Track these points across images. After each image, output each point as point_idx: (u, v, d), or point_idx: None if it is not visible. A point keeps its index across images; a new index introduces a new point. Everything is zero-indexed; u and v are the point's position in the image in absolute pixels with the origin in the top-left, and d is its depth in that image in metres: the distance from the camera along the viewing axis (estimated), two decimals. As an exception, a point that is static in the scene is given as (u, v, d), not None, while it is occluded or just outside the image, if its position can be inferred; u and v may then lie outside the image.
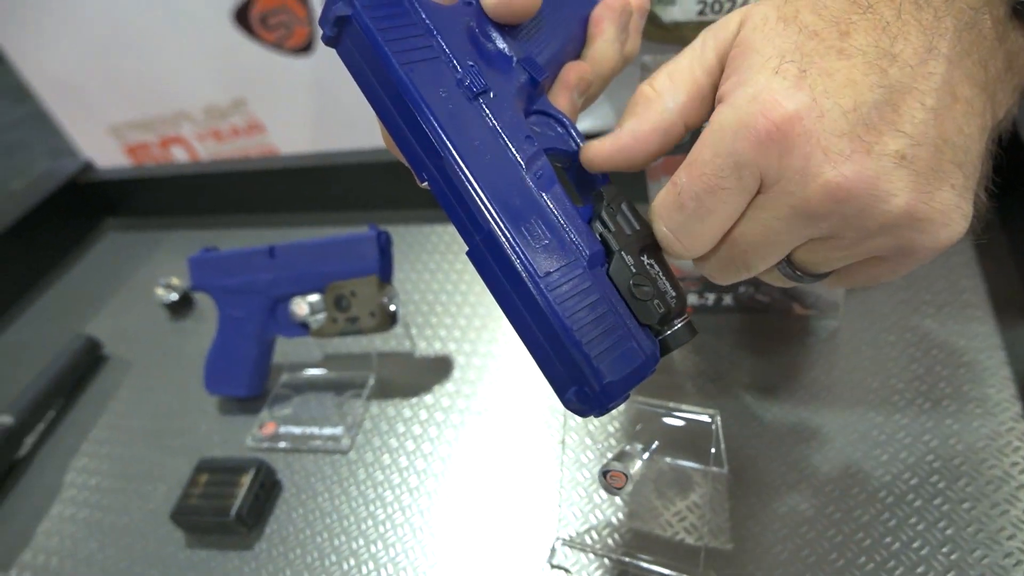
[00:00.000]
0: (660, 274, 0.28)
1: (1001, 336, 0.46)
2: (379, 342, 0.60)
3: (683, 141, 0.35)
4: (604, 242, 0.28)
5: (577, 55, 0.34)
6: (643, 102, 0.30)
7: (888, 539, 0.39)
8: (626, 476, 0.38)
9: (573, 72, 0.32)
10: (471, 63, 0.28)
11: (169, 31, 1.77)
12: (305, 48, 1.72)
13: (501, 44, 0.30)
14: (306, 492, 0.50)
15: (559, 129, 0.31)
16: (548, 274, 0.26)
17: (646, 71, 0.45)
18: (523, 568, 0.42)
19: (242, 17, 1.71)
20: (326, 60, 1.70)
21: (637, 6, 0.35)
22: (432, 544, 0.45)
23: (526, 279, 0.25)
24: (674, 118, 0.30)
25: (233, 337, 0.56)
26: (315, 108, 1.84)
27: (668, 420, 0.41)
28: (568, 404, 0.26)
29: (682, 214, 0.27)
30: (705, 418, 0.39)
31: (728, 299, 0.52)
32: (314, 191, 0.77)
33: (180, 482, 0.52)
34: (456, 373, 0.56)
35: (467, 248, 0.27)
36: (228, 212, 0.82)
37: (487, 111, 0.28)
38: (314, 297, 0.54)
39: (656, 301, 0.28)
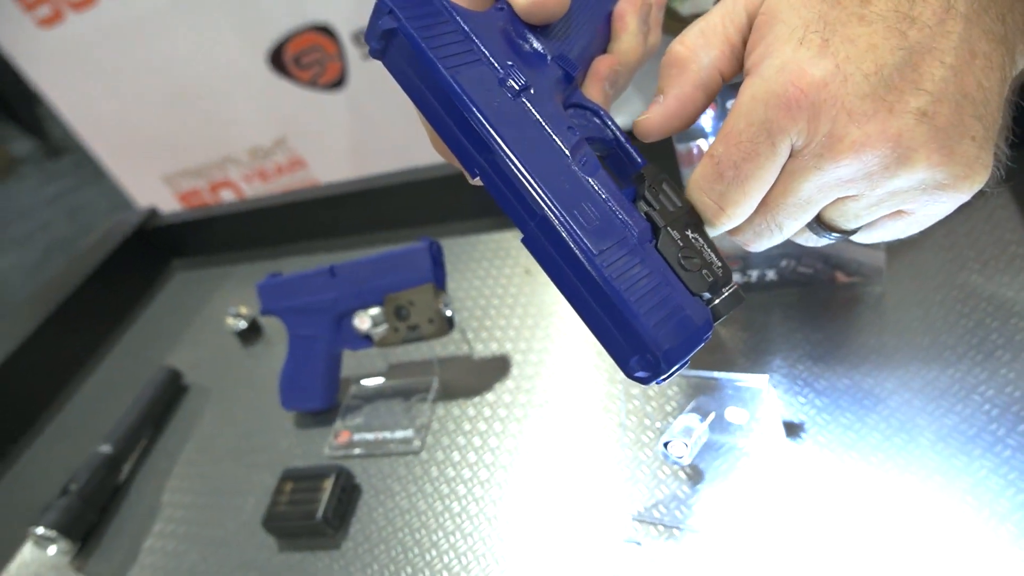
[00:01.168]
0: (705, 246, 0.30)
1: (1050, 284, 0.47)
2: (438, 348, 0.63)
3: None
4: (650, 219, 0.30)
5: (603, 50, 0.36)
6: (679, 63, 0.31)
7: (950, 490, 0.40)
8: (687, 445, 0.39)
9: (604, 65, 0.35)
10: (510, 63, 0.30)
11: (213, 81, 1.86)
12: (338, 83, 1.79)
13: (535, 44, 0.32)
14: (384, 493, 0.54)
15: (595, 120, 0.33)
16: (602, 252, 0.27)
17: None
18: (597, 546, 0.44)
19: (277, 60, 1.79)
20: (359, 92, 1.77)
21: (655, 1, 0.37)
22: (507, 530, 0.47)
23: (582, 257, 0.27)
24: (712, 72, 0.31)
25: (304, 355, 0.60)
26: (352, 138, 1.91)
27: (721, 390, 0.43)
28: (631, 374, 0.28)
29: (722, 183, 0.29)
30: (758, 384, 0.41)
31: (771, 274, 0.53)
32: (362, 213, 0.81)
33: (267, 493, 0.56)
34: (514, 370, 0.58)
35: (522, 236, 0.28)
36: (285, 242, 0.87)
37: (530, 106, 0.30)
38: (375, 310, 0.58)
39: (704, 271, 0.29)
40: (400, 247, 0.57)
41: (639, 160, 0.33)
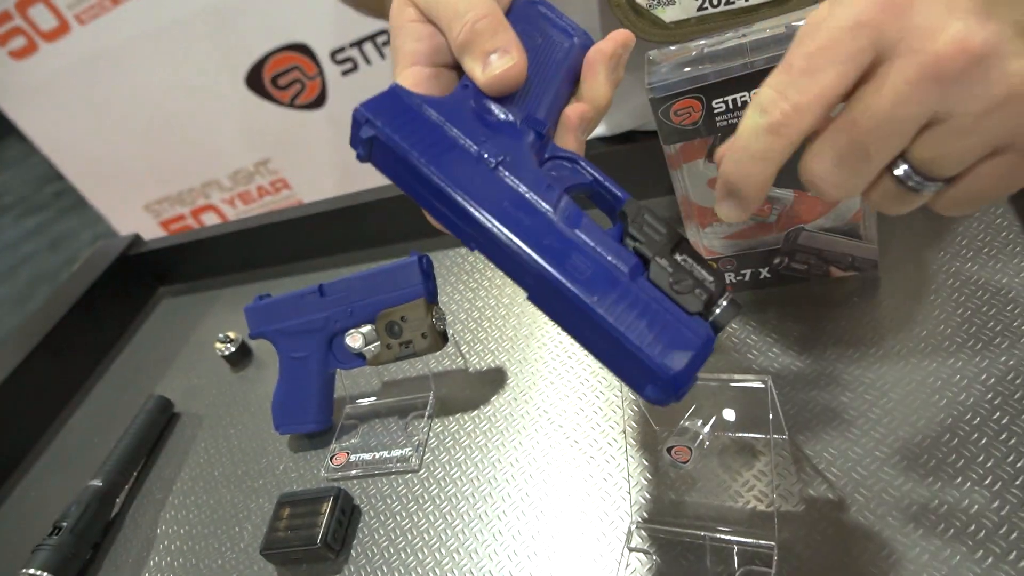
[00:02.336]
0: (694, 265, 0.32)
1: (1043, 269, 0.47)
2: (433, 363, 0.62)
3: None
4: (638, 253, 0.32)
5: (568, 97, 0.39)
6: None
7: (959, 479, 0.39)
8: (690, 449, 0.39)
9: (575, 114, 0.37)
10: (483, 139, 0.33)
11: (191, 106, 1.85)
12: (319, 102, 1.79)
13: (502, 114, 0.35)
14: (384, 513, 0.52)
15: (573, 167, 0.35)
16: (597, 298, 0.29)
17: (652, 64, 0.47)
18: (604, 555, 0.43)
19: (254, 81, 1.78)
20: (339, 110, 1.77)
21: (625, 44, 0.38)
22: (513, 545, 0.47)
23: (581, 307, 0.29)
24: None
25: (296, 377, 0.59)
26: (335, 156, 1.90)
27: (722, 392, 0.42)
28: (649, 399, 0.29)
29: (788, 75, 0.28)
30: (758, 384, 0.40)
31: (765, 272, 0.53)
32: (349, 231, 0.80)
33: (265, 519, 0.55)
34: (511, 382, 0.58)
35: (527, 295, 0.31)
36: (273, 263, 0.86)
37: (508, 175, 0.32)
38: (366, 328, 0.57)
39: (697, 290, 0.31)
40: (389, 263, 0.56)
41: (620, 195, 0.35)
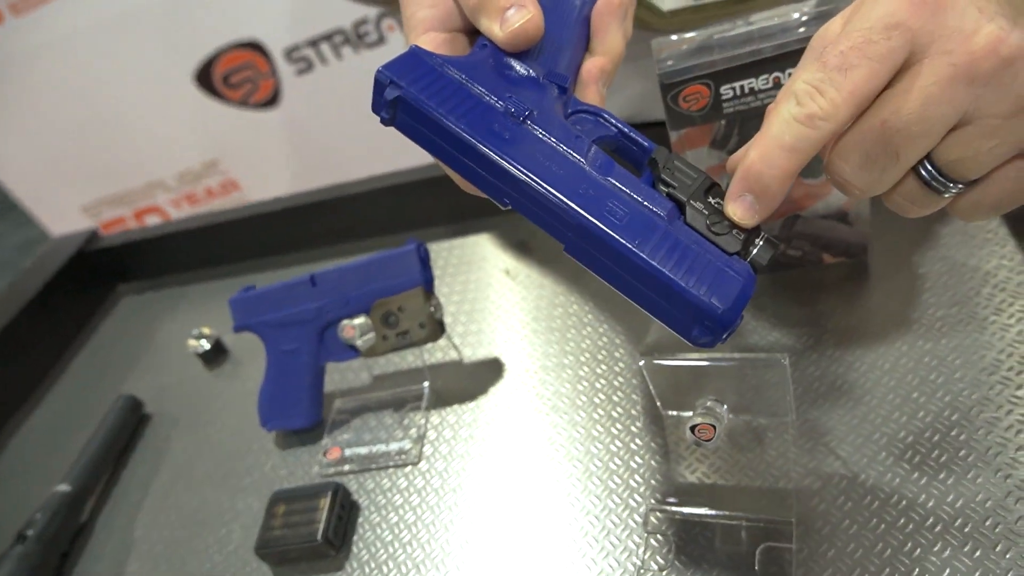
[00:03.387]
0: None
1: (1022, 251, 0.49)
2: (426, 355, 0.61)
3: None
4: (672, 198, 0.32)
5: (583, 52, 0.39)
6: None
7: (963, 452, 0.41)
8: (714, 427, 0.39)
9: (595, 67, 0.37)
10: (508, 94, 0.33)
11: (135, 103, 1.78)
12: (272, 101, 1.74)
13: (524, 69, 0.35)
14: (386, 508, 0.51)
15: (596, 119, 0.36)
16: (639, 241, 0.30)
17: (655, 54, 0.47)
18: (621, 539, 0.43)
19: (204, 79, 1.73)
20: (294, 110, 1.72)
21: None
22: (526, 533, 0.46)
23: (624, 252, 0.29)
24: None
25: (285, 370, 0.57)
26: (289, 157, 1.85)
27: (739, 371, 0.43)
28: (696, 341, 0.29)
29: (823, 71, 0.28)
30: (776, 362, 0.41)
31: (761, 260, 0.54)
32: (328, 224, 0.78)
33: (255, 520, 0.53)
34: (508, 372, 0.57)
35: (564, 247, 0.31)
36: (240, 259, 0.83)
37: (536, 128, 0.32)
38: (360, 319, 0.55)
39: (735, 231, 0.31)
40: (384, 251, 0.55)
41: (647, 144, 0.35)
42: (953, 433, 0.42)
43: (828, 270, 0.53)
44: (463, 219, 0.74)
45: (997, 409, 0.42)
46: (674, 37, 0.47)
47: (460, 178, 0.34)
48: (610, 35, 0.38)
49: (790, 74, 0.44)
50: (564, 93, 0.35)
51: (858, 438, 0.43)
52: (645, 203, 0.31)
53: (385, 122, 0.32)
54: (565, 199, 0.30)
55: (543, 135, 0.32)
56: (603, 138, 0.34)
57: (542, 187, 0.30)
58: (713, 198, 0.32)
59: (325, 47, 1.59)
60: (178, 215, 2.01)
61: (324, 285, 0.56)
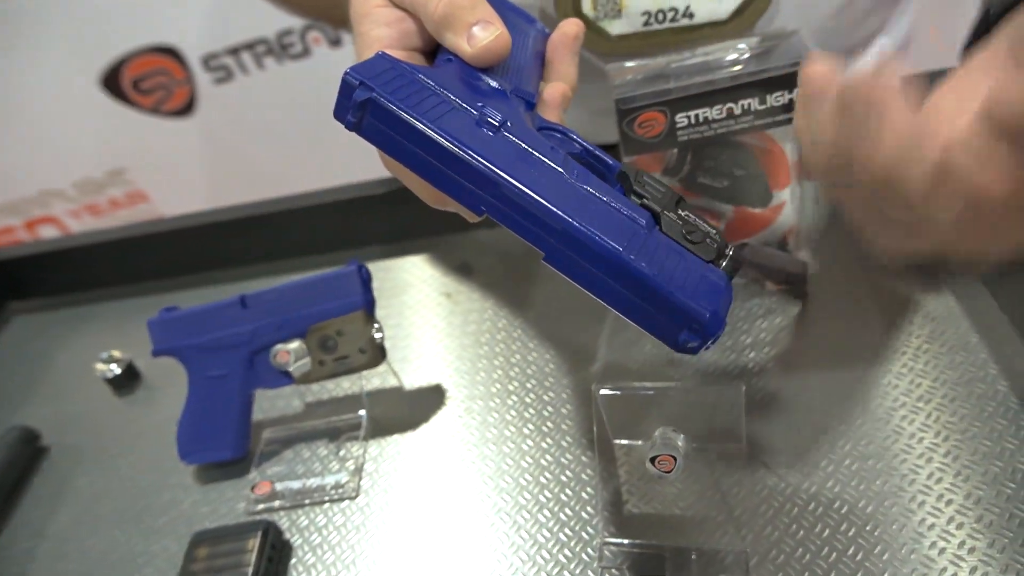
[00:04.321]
0: (697, 219, 0.33)
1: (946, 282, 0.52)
2: (363, 382, 0.58)
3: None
4: (647, 208, 0.33)
5: (539, 79, 0.40)
6: None
7: (906, 477, 0.42)
8: (675, 459, 0.39)
9: (557, 92, 0.38)
10: (480, 103, 0.32)
11: (27, 104, 1.65)
12: (186, 110, 1.66)
13: (492, 83, 0.35)
14: (321, 547, 0.48)
15: (563, 137, 0.36)
16: (626, 246, 0.29)
17: (611, 80, 0.47)
18: (575, 575, 0.42)
19: (111, 83, 1.62)
20: (210, 120, 1.65)
21: (582, 29, 0.41)
22: (474, 570, 0.44)
23: (611, 256, 0.29)
24: None
25: (210, 398, 0.53)
26: (203, 170, 1.76)
27: (694, 400, 0.43)
28: (683, 346, 0.29)
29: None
30: (733, 389, 0.41)
31: (706, 287, 0.55)
32: (249, 243, 0.74)
33: (172, 563, 0.48)
34: (453, 399, 0.55)
35: (543, 255, 0.30)
36: (156, 276, 0.77)
37: (513, 137, 0.32)
38: (295, 343, 0.52)
39: (708, 240, 0.32)
40: (323, 272, 0.52)
41: (611, 163, 0.36)
42: (896, 461, 0.43)
43: (770, 297, 0.55)
44: (400, 239, 0.72)
45: (936, 435, 0.43)
46: (630, 63, 0.47)
47: (428, 190, 0.33)
48: (565, 65, 0.40)
49: (743, 105, 0.45)
50: (531, 109, 0.35)
51: (805, 465, 0.44)
52: (625, 211, 0.31)
53: (350, 126, 0.30)
54: (551, 205, 0.29)
55: (520, 143, 0.31)
56: (571, 154, 0.34)
57: (526, 191, 0.29)
58: (683, 210, 0.33)
59: (246, 56, 1.53)
60: (79, 227, 1.87)
61: (256, 307, 0.52)
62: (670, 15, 0.52)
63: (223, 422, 0.53)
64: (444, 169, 0.30)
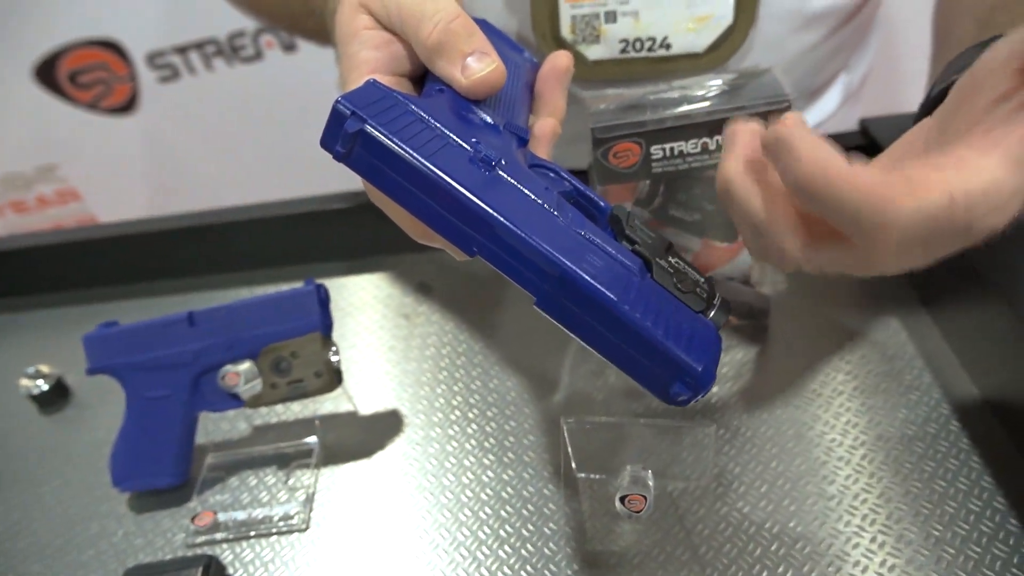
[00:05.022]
0: (687, 267, 0.33)
1: (902, 321, 0.53)
2: (316, 406, 0.55)
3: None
4: (638, 254, 0.32)
5: (529, 110, 0.40)
6: None
7: (868, 518, 0.42)
8: (645, 498, 0.38)
9: (548, 128, 0.38)
10: (474, 139, 0.31)
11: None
12: (127, 107, 1.58)
13: (485, 116, 0.34)
14: (267, 583, 0.45)
15: (554, 175, 0.36)
16: (621, 295, 0.28)
17: (587, 107, 0.47)
18: (538, 615, 0.41)
19: (46, 75, 1.54)
20: (153, 119, 1.58)
21: (572, 62, 0.41)
22: (431, 611, 0.42)
23: (608, 305, 0.28)
24: None
25: (150, 420, 0.49)
26: (144, 171, 1.69)
27: (665, 438, 0.42)
28: (675, 399, 0.29)
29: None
30: (706, 427, 0.40)
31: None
32: (195, 253, 0.70)
33: (101, 601, 0.44)
34: (410, 426, 0.53)
35: (535, 301, 0.29)
36: (90, 285, 0.72)
37: (506, 176, 0.31)
38: (245, 364, 0.49)
39: (697, 289, 0.32)
40: (278, 292, 0.49)
41: (602, 204, 0.35)
42: (857, 501, 0.43)
43: (729, 332, 0.55)
44: (356, 256, 0.70)
45: (894, 475, 0.44)
46: (609, 92, 0.46)
47: (415, 225, 0.31)
48: (555, 98, 0.40)
49: (718, 140, 0.45)
50: (523, 146, 0.35)
51: (769, 503, 0.44)
52: (619, 257, 0.30)
53: (339, 157, 0.29)
54: (547, 248, 0.28)
55: (514, 183, 0.30)
56: (561, 193, 0.33)
57: (523, 235, 0.28)
58: (672, 257, 0.33)
59: (195, 56, 1.48)
60: (1, 225, 1.76)
61: (205, 325, 0.49)
62: (648, 44, 0.52)
63: (163, 446, 0.49)
64: (436, 207, 0.29)
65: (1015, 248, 0.46)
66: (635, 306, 0.28)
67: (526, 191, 0.30)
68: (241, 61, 1.48)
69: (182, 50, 1.47)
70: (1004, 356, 0.45)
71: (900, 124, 0.60)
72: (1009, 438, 0.44)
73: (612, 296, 0.28)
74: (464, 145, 0.30)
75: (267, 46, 1.48)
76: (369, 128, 0.28)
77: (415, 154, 0.28)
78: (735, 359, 0.53)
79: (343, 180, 0.82)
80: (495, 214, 0.28)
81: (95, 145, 1.63)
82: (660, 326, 0.28)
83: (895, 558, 0.40)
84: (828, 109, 0.66)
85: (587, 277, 0.28)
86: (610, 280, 0.29)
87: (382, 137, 0.28)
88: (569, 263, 0.28)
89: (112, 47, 1.50)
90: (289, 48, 1.45)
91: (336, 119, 0.28)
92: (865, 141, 0.60)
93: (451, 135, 0.30)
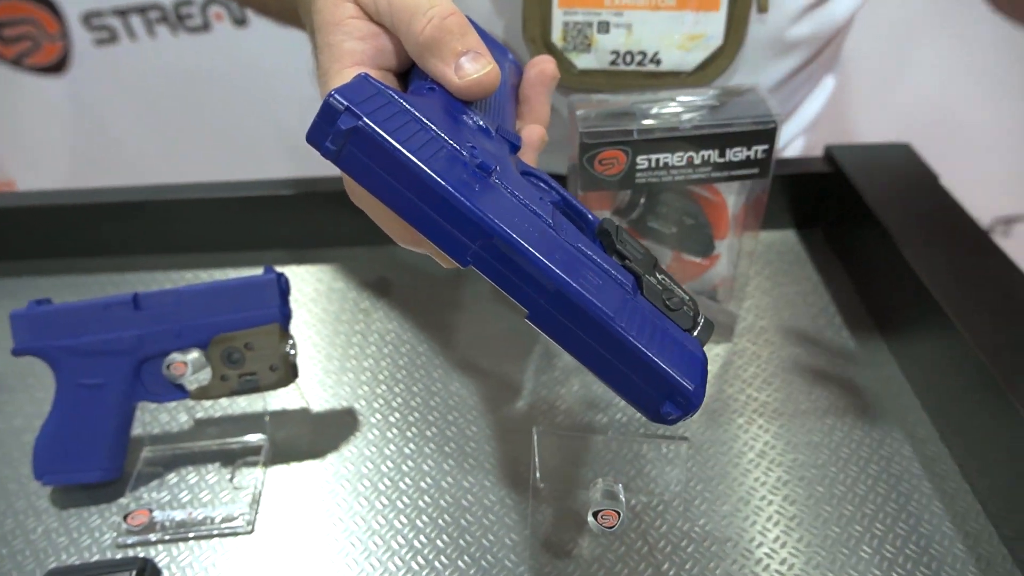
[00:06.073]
0: (673, 284, 0.32)
1: (861, 345, 0.55)
2: (264, 401, 0.52)
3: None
4: (629, 270, 0.32)
5: (515, 115, 0.39)
6: None
7: (843, 535, 0.43)
8: (618, 513, 0.37)
9: (536, 136, 0.37)
10: (470, 144, 0.30)
11: None
12: (56, 68, 1.48)
13: (479, 121, 0.33)
14: (207, 589, 0.42)
15: (545, 185, 0.35)
16: (616, 312, 0.28)
17: (573, 111, 0.46)
18: (498, 630, 0.39)
19: (-35, 24, 1.42)
20: (84, 82, 1.48)
21: (554, 75, 0.40)
22: (386, 623, 0.40)
23: (602, 321, 0.27)
24: None
25: (81, 408, 0.45)
26: (68, 137, 1.58)
27: (637, 452, 0.41)
28: (665, 418, 0.28)
29: None
30: (679, 441, 0.40)
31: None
32: (127, 232, 0.66)
33: (16, 605, 0.40)
34: (365, 425, 0.51)
35: (527, 314, 0.28)
36: (12, 258, 0.67)
37: (502, 184, 0.30)
38: (194, 353, 0.46)
39: (685, 307, 0.31)
40: (236, 279, 0.46)
41: (591, 217, 0.35)
42: (834, 515, 0.44)
43: (697, 346, 0.55)
44: (309, 245, 0.67)
45: (854, 499, 0.45)
46: (596, 98, 0.46)
47: (403, 230, 0.30)
48: (541, 104, 0.39)
49: (703, 155, 0.45)
50: (515, 152, 0.33)
51: (733, 521, 0.44)
52: (613, 273, 0.30)
53: (328, 154, 0.27)
54: (544, 261, 0.27)
55: (510, 192, 0.29)
56: (552, 204, 0.32)
57: (524, 247, 0.27)
58: (659, 274, 0.32)
59: (136, 20, 1.40)
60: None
61: (152, 310, 0.45)
62: (638, 58, 0.52)
63: (95, 438, 0.45)
64: (431, 213, 0.27)
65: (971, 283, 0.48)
66: (630, 324, 0.28)
67: (523, 201, 0.29)
68: (187, 31, 1.41)
69: (123, 12, 1.38)
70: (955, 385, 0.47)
71: (865, 152, 0.63)
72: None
73: (609, 313, 0.27)
74: (460, 150, 0.29)
75: (215, 18, 1.41)
76: (364, 126, 0.26)
77: (413, 157, 0.26)
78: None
79: (282, 167, 0.78)
80: (496, 224, 0.27)
81: (15, 104, 1.51)
82: (654, 345, 0.28)
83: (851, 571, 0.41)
84: (791, 133, 0.68)
85: (585, 294, 0.27)
86: (606, 296, 0.28)
87: (378, 136, 0.26)
88: (568, 279, 0.27)
89: (43, 2, 1.40)
90: (240, 22, 1.39)
91: (328, 114, 0.26)
92: (830, 168, 0.62)
93: (447, 138, 0.29)
